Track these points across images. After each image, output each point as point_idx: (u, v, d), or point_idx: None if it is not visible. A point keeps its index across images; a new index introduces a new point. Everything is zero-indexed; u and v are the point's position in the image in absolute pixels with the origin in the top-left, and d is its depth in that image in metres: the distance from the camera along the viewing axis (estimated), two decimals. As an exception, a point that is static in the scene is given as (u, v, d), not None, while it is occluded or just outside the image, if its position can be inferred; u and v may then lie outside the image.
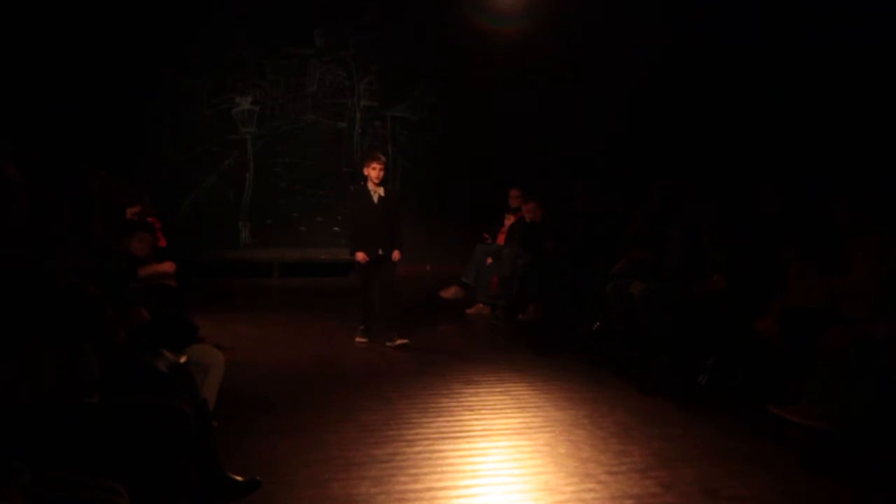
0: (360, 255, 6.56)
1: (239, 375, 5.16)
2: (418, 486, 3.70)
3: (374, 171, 6.54)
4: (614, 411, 4.88)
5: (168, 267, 5.40)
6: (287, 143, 10.56)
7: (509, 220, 8.68)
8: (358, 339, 6.71)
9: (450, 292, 8.66)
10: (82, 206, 3.61)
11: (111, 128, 9.27)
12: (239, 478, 3.43)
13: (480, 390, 5.35)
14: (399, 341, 6.54)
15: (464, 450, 4.22)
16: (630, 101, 9.07)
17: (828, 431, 4.12)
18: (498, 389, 5.35)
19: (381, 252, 6.57)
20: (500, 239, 8.66)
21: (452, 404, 5.01)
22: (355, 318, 6.84)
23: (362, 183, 6.73)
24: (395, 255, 6.60)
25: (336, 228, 10.70)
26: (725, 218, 5.95)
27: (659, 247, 6.47)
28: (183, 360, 3.64)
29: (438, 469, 3.92)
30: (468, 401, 5.11)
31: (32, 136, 7.76)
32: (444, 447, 4.23)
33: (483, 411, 4.89)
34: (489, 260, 8.24)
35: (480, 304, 8.20)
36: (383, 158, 6.70)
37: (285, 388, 5.26)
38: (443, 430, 4.52)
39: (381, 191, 6.62)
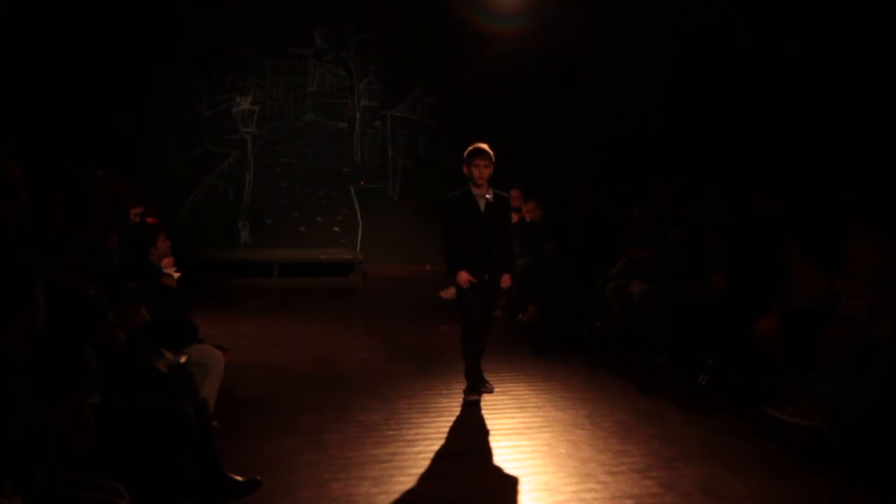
0: (464, 277, 4.92)
1: (239, 375, 5.16)
2: (418, 486, 3.70)
3: (477, 170, 4.89)
4: (614, 411, 4.88)
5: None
6: (287, 143, 10.54)
7: (513, 219, 8.67)
8: (472, 397, 5.02)
9: (449, 292, 8.65)
10: (82, 206, 3.62)
11: (111, 128, 9.26)
12: (239, 478, 3.44)
13: (480, 390, 5.35)
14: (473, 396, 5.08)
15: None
16: (630, 101, 9.07)
17: (826, 431, 4.13)
18: (498, 389, 5.33)
19: (487, 276, 4.98)
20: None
21: (452, 404, 5.00)
22: (355, 319, 6.76)
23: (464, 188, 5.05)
24: (505, 280, 5.08)
25: (336, 228, 10.69)
26: (728, 217, 5.97)
27: (659, 247, 6.48)
28: (183, 360, 3.65)
29: (438, 469, 3.92)
30: (468, 401, 5.11)
31: (32, 137, 7.77)
32: (445, 447, 4.23)
33: (483, 411, 4.89)
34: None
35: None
36: (489, 152, 4.94)
37: (285, 388, 5.25)
38: (443, 430, 4.52)
39: (489, 195, 4.99)
